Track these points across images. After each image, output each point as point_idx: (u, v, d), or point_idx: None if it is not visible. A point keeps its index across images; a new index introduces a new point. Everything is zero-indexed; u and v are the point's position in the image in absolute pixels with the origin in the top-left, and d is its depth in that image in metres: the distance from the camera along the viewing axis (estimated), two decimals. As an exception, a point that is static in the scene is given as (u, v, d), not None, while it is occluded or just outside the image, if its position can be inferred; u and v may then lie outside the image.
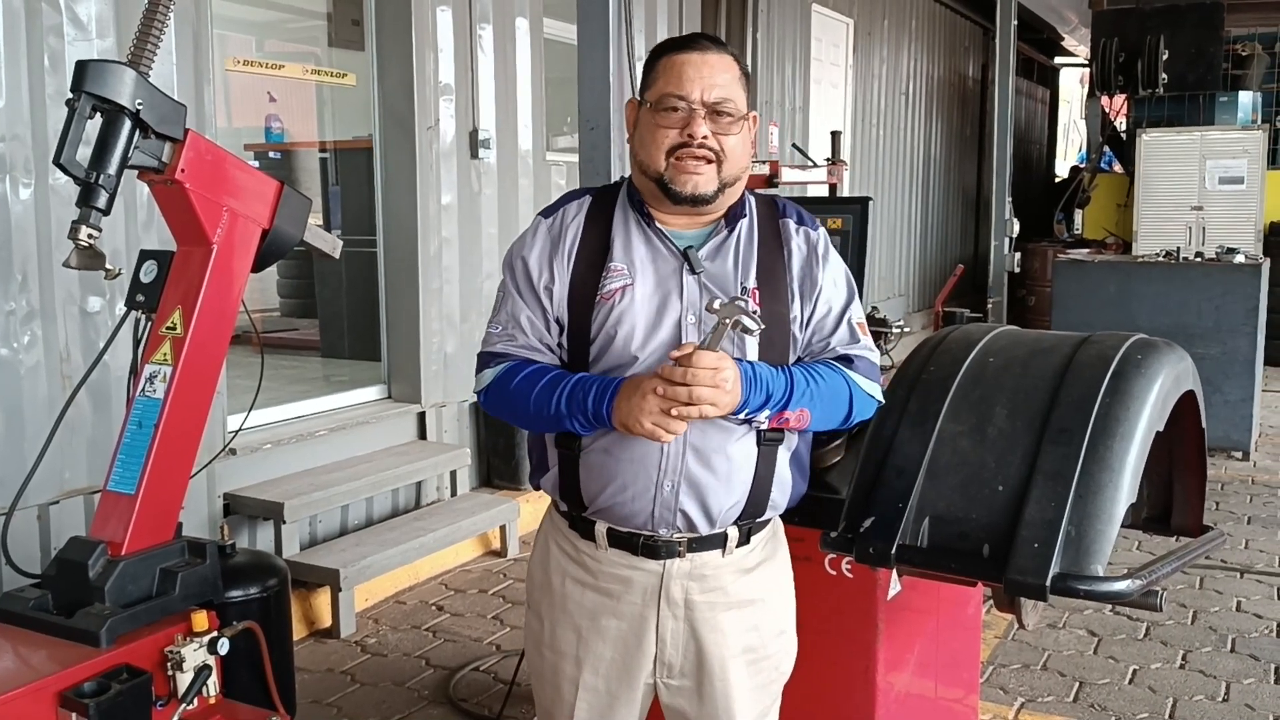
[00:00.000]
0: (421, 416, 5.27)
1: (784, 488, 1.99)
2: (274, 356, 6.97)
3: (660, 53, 1.96)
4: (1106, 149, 12.71)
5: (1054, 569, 1.83)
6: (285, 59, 8.20)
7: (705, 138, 1.87)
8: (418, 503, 5.07)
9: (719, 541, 1.94)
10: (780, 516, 2.15)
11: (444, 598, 4.57)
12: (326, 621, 4.21)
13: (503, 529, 5.04)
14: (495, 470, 5.52)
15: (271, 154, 8.30)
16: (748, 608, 1.98)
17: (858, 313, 2.02)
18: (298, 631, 4.12)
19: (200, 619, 2.36)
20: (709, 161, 1.88)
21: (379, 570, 4.34)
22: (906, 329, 3.86)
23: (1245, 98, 11.29)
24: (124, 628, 2.26)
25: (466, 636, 4.18)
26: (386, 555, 4.35)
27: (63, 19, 3.57)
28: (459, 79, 5.34)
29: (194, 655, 2.32)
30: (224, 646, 2.38)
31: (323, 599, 4.21)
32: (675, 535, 1.91)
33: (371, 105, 5.25)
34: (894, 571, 2.30)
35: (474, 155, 5.44)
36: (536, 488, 2.06)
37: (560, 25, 5.90)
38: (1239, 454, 6.76)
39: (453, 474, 5.18)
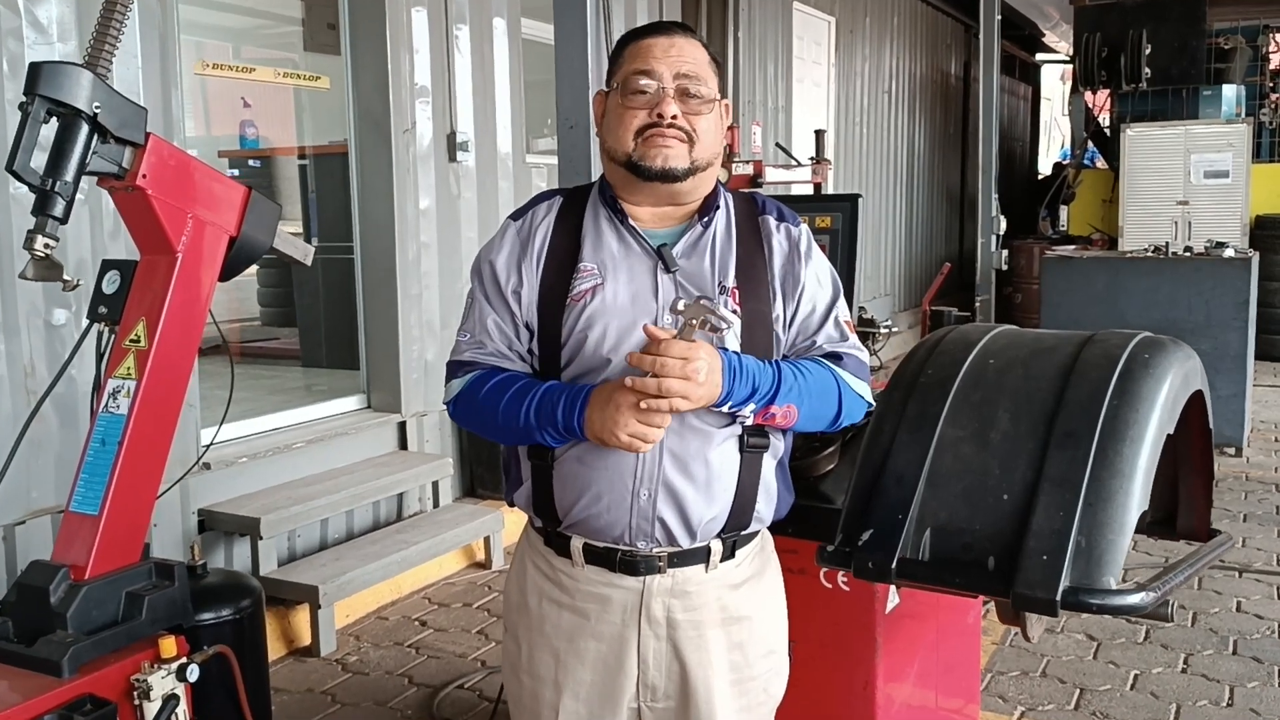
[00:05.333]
0: (402, 426, 5.16)
1: (770, 498, 1.89)
2: (254, 366, 6.93)
3: (627, 39, 1.88)
4: (1090, 144, 12.67)
5: (1064, 582, 1.73)
6: (263, 65, 8.10)
7: (675, 117, 1.79)
8: (399, 515, 4.96)
9: (701, 556, 1.84)
10: (771, 529, 2.05)
11: (427, 612, 4.46)
12: (306, 639, 4.09)
13: (487, 540, 4.93)
14: (479, 480, 5.41)
15: (251, 161, 8.19)
16: (733, 626, 1.89)
17: (844, 310, 1.94)
18: (276, 650, 4.01)
19: (168, 645, 2.28)
20: (680, 141, 1.80)
21: (359, 586, 4.22)
22: (894, 329, 3.78)
23: (1229, 91, 11.26)
24: (87, 656, 2.17)
25: (450, 652, 4.07)
26: (367, 570, 4.24)
27: (22, 22, 3.45)
28: (436, 81, 5.24)
29: (162, 683, 2.24)
30: (194, 673, 2.30)
31: (302, 616, 4.09)
32: (655, 549, 1.81)
33: (346, 109, 5.14)
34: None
35: (452, 158, 5.34)
36: (511, 504, 1.96)
37: (538, 25, 5.80)
38: (1231, 450, 6.70)
39: (435, 484, 5.06)
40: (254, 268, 7.85)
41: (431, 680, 3.85)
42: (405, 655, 4.06)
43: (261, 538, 4.07)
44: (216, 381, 4.10)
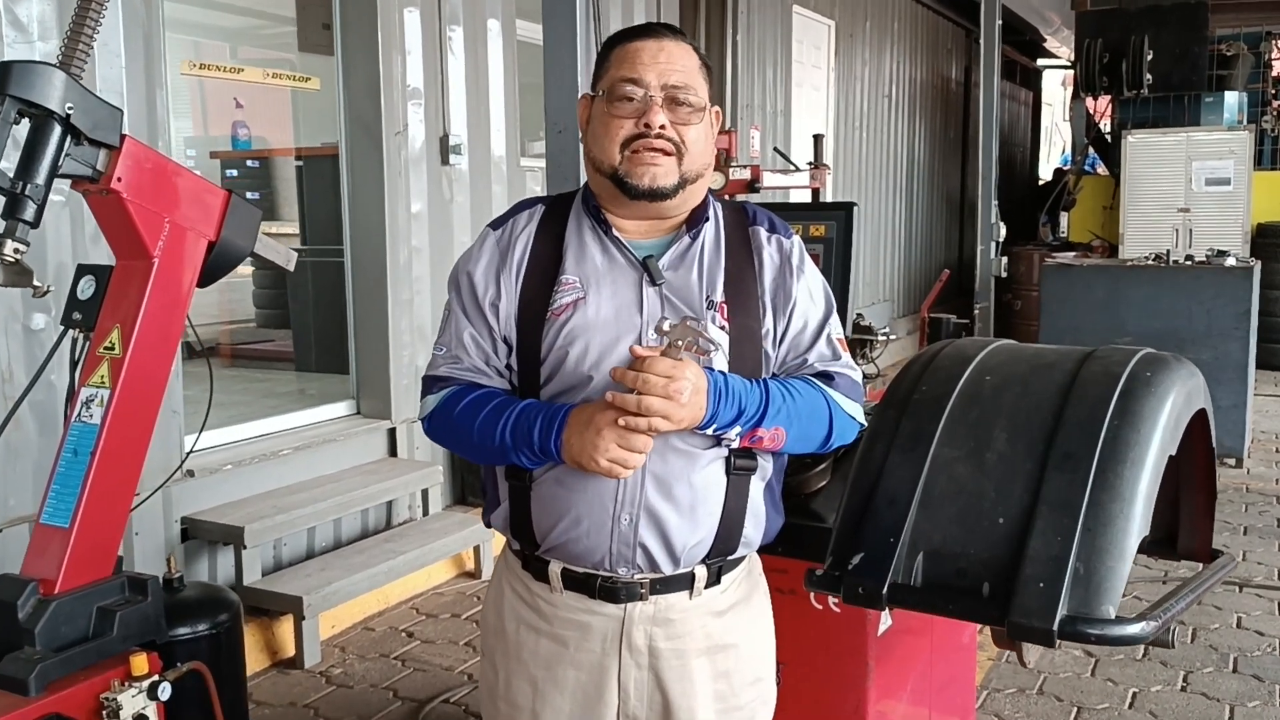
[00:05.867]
0: (392, 433, 5.08)
1: (758, 522, 1.81)
2: (247, 369, 6.85)
3: (614, 42, 1.79)
4: (1090, 150, 12.61)
5: (1062, 610, 1.67)
6: (259, 65, 8.04)
7: (663, 127, 1.70)
8: (388, 523, 4.88)
9: (685, 582, 1.76)
10: (759, 549, 1.98)
11: (415, 623, 4.38)
12: (290, 651, 4.01)
13: (477, 549, 4.86)
14: (469, 488, 5.33)
15: (250, 162, 8.13)
16: (719, 654, 1.81)
17: (836, 328, 1.85)
18: (260, 661, 3.94)
19: (140, 662, 2.23)
20: (668, 154, 1.71)
21: (345, 596, 4.15)
22: (892, 335, 3.71)
23: (1231, 98, 11.20)
24: (55, 673, 2.11)
25: (437, 665, 3.99)
26: (353, 580, 4.15)
27: (1, 20, 3.38)
28: (428, 83, 5.17)
29: (132, 702, 2.19)
30: (165, 691, 2.24)
31: (285, 627, 4.01)
32: (636, 575, 1.73)
33: (337, 110, 5.07)
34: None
35: (445, 161, 5.27)
36: (489, 525, 1.89)
37: (534, 27, 5.70)
38: (1232, 461, 6.62)
39: (424, 492, 4.98)
40: (249, 268, 7.79)
41: (417, 694, 3.77)
42: (391, 668, 3.99)
43: (245, 547, 3.99)
44: (206, 385, 4.03)
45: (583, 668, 1.78)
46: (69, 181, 2.21)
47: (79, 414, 2.35)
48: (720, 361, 1.71)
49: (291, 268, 2.83)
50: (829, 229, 2.79)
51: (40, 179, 2.14)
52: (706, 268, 1.78)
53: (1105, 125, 12.47)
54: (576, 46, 2.73)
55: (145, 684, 2.20)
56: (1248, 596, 4.58)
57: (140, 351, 2.33)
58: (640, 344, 1.68)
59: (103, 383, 2.34)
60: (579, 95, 2.75)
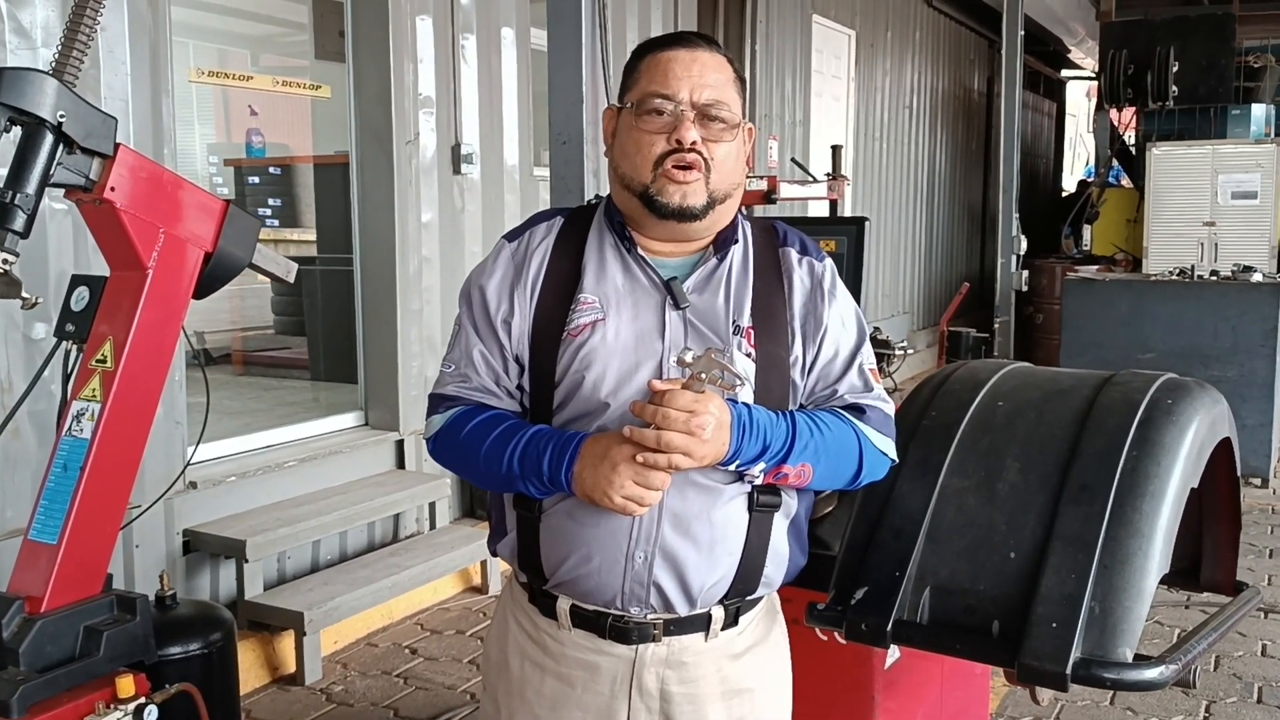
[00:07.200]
0: (400, 444, 5.02)
1: (779, 562, 1.72)
2: (262, 377, 6.83)
3: (644, 51, 1.70)
4: (1114, 163, 12.47)
5: (1075, 653, 1.58)
6: (281, 73, 8.05)
7: (694, 143, 1.62)
8: (395, 536, 4.82)
9: (701, 624, 1.67)
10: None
11: (419, 639, 4.31)
12: (290, 667, 3.94)
13: (484, 564, 4.79)
14: (478, 501, 5.27)
15: (272, 169, 8.12)
16: (734, 699, 1.71)
17: (869, 357, 1.75)
18: (260, 678, 3.88)
19: (126, 683, 2.17)
20: (699, 171, 1.63)
21: (348, 611, 4.08)
22: (910, 350, 3.62)
23: (1258, 110, 11.03)
24: (38, 695, 2.05)
25: (440, 684, 3.92)
26: (356, 595, 4.09)
27: (5, 27, 3.35)
28: (440, 91, 5.12)
29: None
30: (152, 714, 2.19)
31: (286, 643, 3.95)
32: (649, 615, 1.65)
33: (348, 118, 5.03)
34: (891, 642, 2.05)
35: (456, 171, 5.21)
36: (494, 554, 1.81)
37: (548, 36, 5.68)
38: (1257, 481, 6.49)
39: (432, 505, 4.92)
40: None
41: (418, 714, 3.70)
42: (393, 685, 3.92)
43: (247, 560, 3.93)
44: (218, 393, 4.00)
45: (589, 710, 1.69)
46: (63, 190, 2.16)
47: (69, 428, 2.30)
48: (746, 392, 1.62)
49: (291, 279, 2.78)
50: (840, 244, 2.72)
51: (31, 188, 2.10)
52: (733, 290, 1.69)
53: (1130, 137, 12.32)
54: (582, 57, 2.66)
55: (131, 706, 2.15)
56: (1273, 623, 4.46)
57: (133, 364, 2.28)
58: (661, 372, 1.61)
59: (94, 396, 2.30)
60: (586, 106, 2.69)
